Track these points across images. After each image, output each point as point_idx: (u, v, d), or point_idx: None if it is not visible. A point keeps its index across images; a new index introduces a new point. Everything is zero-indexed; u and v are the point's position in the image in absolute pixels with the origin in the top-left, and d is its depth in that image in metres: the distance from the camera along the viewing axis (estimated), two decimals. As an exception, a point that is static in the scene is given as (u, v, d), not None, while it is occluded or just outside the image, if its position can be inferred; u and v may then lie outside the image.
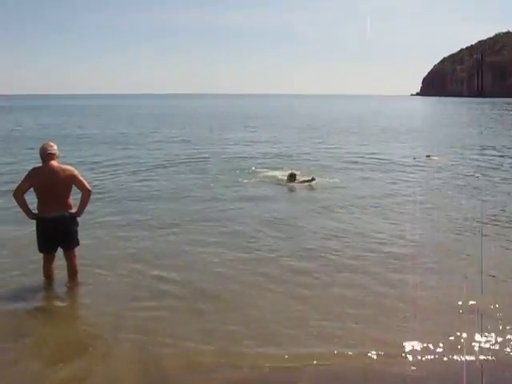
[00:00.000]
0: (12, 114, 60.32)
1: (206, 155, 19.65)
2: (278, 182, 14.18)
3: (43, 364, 4.87)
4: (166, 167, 16.89)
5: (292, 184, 13.79)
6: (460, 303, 5.83)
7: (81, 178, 6.55)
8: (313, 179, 13.70)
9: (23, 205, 6.47)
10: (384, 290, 6.33)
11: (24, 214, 6.62)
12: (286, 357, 4.79)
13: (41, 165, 6.51)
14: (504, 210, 10.60)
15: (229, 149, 22.38)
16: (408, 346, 4.91)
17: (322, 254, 7.70)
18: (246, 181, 14.27)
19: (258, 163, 17.56)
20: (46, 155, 6.47)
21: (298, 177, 14.01)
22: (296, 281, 6.72)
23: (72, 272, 6.79)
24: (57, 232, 6.50)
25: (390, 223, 9.60)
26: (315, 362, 4.70)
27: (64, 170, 6.47)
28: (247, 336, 5.20)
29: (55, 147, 6.62)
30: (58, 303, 6.36)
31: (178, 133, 31.19)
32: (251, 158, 19.39)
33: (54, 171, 6.38)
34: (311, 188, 13.39)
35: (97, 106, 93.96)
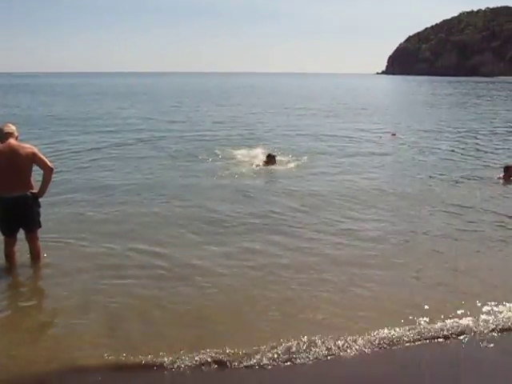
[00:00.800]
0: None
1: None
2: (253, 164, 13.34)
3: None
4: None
5: (272, 167, 13.04)
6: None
7: (42, 156, 6.36)
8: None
9: None
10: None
11: None
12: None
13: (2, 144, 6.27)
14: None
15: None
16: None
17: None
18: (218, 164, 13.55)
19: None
20: (4, 134, 6.29)
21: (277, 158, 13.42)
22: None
23: (35, 255, 6.62)
24: (18, 213, 6.32)
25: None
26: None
27: (24, 148, 6.28)
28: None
29: (13, 127, 6.44)
30: (17, 289, 6.20)
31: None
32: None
33: (13, 150, 6.18)
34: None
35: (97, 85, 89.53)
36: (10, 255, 6.52)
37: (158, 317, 5.31)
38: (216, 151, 15.32)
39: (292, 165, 13.50)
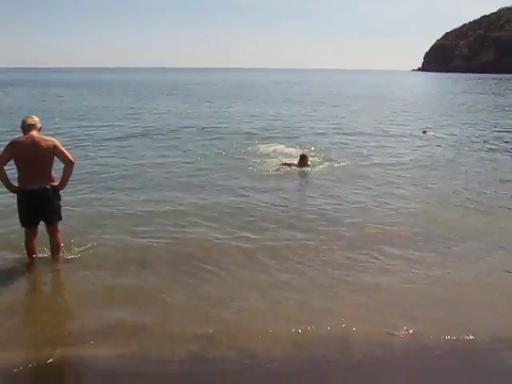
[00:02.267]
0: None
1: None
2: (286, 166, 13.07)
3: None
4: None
5: (304, 169, 12.82)
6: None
7: (63, 149, 6.38)
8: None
9: (3, 177, 6.30)
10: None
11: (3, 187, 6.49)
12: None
13: (21, 136, 6.36)
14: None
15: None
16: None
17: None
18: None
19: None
20: (27, 126, 6.33)
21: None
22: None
23: (55, 248, 6.66)
24: (38, 205, 6.34)
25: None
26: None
27: (46, 140, 6.30)
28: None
29: (36, 119, 6.47)
30: (40, 282, 6.48)
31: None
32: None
33: (35, 142, 6.21)
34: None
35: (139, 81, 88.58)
36: (30, 246, 6.59)
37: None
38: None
39: (324, 166, 13.45)
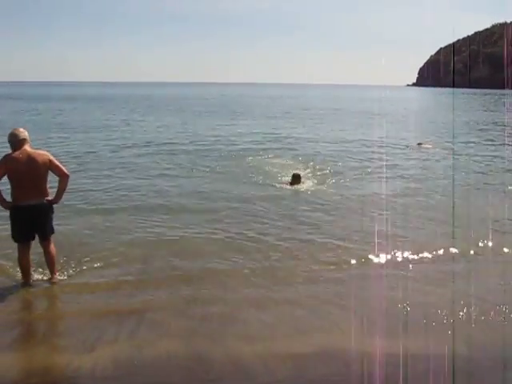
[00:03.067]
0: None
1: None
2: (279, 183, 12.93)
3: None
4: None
5: (296, 187, 12.44)
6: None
7: (57, 163, 6.33)
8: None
9: None
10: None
11: None
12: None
13: (14, 152, 6.17)
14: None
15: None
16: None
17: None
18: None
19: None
20: (19, 141, 6.17)
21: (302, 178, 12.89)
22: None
23: (51, 260, 6.54)
24: (35, 220, 6.26)
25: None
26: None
27: (41, 155, 6.22)
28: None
29: (26, 133, 6.33)
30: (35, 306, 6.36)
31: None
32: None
33: (31, 157, 6.10)
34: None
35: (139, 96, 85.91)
36: (25, 262, 6.42)
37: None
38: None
39: (314, 183, 13.10)
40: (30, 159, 6.09)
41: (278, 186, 12.65)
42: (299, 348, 5.07)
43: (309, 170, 14.55)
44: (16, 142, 6.18)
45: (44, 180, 6.27)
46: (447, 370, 4.58)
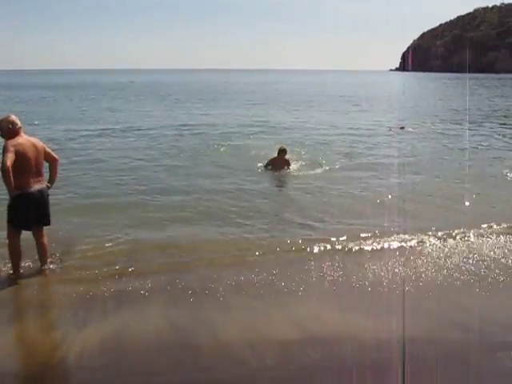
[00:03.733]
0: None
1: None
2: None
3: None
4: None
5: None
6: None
7: (48, 149, 6.48)
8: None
9: (12, 180, 5.96)
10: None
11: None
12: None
13: (10, 139, 6.11)
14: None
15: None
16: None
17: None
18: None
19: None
20: (18, 128, 6.17)
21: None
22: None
23: (44, 252, 6.54)
24: (39, 206, 6.28)
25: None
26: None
27: (37, 141, 6.35)
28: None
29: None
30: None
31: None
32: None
33: (32, 143, 6.20)
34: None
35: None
36: (19, 251, 6.38)
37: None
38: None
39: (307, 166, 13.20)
40: (33, 145, 6.19)
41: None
42: (287, 334, 5.12)
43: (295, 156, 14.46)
44: (15, 129, 6.14)
45: (43, 166, 6.40)
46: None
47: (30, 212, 6.23)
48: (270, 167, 12.69)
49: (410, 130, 20.65)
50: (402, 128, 20.88)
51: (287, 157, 12.84)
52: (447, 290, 6.06)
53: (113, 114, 28.10)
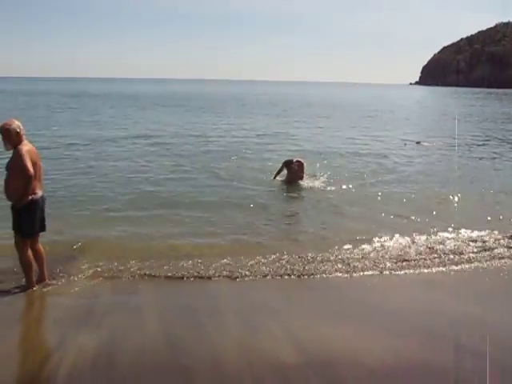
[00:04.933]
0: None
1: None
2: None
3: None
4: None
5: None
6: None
7: None
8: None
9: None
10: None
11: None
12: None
13: (26, 142, 6.08)
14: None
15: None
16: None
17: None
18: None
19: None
20: (23, 134, 6.09)
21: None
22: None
23: (42, 261, 6.45)
24: (42, 212, 6.31)
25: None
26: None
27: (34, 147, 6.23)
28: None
29: None
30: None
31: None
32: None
33: (35, 149, 6.13)
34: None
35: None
36: (31, 260, 6.32)
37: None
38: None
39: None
40: (36, 152, 6.11)
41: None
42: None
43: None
44: (22, 133, 6.04)
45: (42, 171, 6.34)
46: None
47: (39, 217, 6.22)
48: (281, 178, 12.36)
49: (426, 144, 20.43)
50: (418, 143, 20.69)
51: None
52: None
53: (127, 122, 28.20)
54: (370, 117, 37.33)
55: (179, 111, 39.05)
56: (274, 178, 12.50)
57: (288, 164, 12.25)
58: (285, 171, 12.36)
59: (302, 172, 12.24)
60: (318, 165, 14.18)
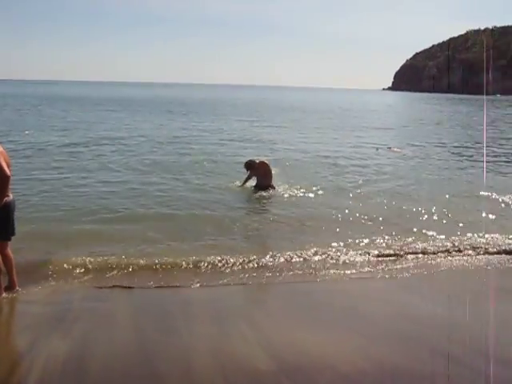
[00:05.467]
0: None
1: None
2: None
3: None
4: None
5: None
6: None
7: None
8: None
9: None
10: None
11: None
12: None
13: None
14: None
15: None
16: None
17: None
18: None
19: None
20: None
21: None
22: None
23: (11, 266, 6.23)
24: (13, 215, 6.18)
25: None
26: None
27: None
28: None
29: None
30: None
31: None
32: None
33: (5, 151, 5.98)
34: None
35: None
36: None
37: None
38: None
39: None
40: (6, 153, 5.93)
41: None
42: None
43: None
44: None
45: None
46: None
47: (13, 218, 6.10)
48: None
49: (397, 150, 20.61)
50: (389, 148, 20.88)
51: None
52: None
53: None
54: (342, 121, 37.61)
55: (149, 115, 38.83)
56: (243, 184, 12.15)
57: (251, 166, 11.89)
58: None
59: (270, 173, 11.87)
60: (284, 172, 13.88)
